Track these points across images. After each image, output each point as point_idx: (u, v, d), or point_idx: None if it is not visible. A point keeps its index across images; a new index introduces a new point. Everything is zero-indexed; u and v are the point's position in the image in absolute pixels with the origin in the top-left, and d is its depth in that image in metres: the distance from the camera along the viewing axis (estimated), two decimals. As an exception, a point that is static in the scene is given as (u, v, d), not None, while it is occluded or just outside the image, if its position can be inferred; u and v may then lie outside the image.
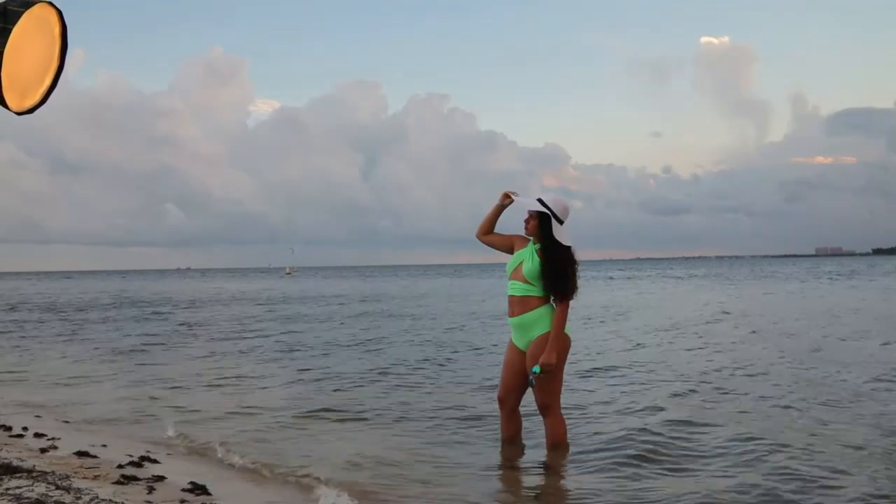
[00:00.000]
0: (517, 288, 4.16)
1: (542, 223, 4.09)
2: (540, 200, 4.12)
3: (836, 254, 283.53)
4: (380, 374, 7.74)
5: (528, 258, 4.15)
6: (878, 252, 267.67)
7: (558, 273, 4.02)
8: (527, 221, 4.18)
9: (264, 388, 7.02)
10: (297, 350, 10.25)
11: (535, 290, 4.10)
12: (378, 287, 39.81)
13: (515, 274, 4.20)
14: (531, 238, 4.16)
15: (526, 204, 4.18)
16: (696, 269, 73.92)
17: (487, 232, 4.39)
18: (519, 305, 4.16)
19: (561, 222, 4.09)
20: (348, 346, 10.75)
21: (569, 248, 4.07)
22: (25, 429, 4.86)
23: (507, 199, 4.27)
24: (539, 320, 4.10)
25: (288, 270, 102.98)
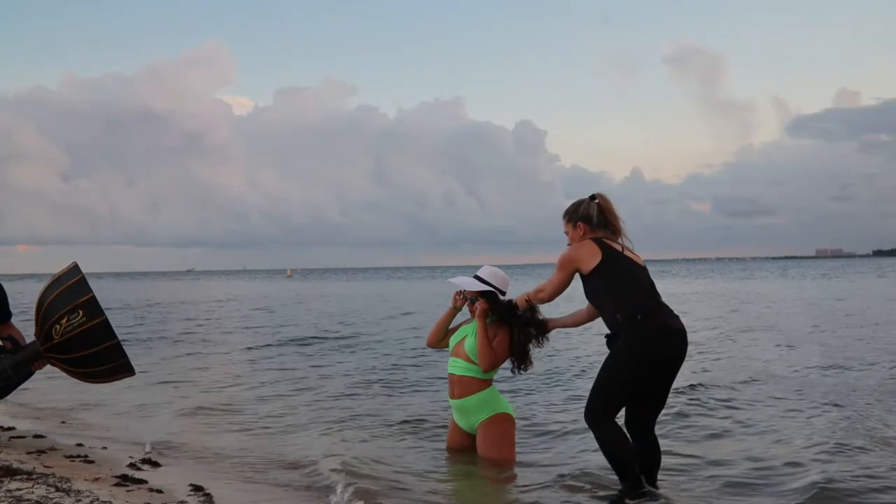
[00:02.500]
0: (458, 366, 4.00)
1: (491, 301, 3.95)
2: (477, 277, 4.01)
3: (837, 255, 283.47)
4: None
5: (471, 333, 4.00)
6: (878, 254, 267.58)
7: (522, 346, 3.92)
8: (470, 305, 4.02)
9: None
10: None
11: (475, 371, 3.94)
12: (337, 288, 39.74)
13: (457, 350, 4.05)
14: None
15: (465, 284, 4.04)
16: (741, 269, 73.80)
17: (440, 339, 4.23)
18: (459, 386, 4.01)
19: (503, 294, 4.00)
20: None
21: (532, 314, 3.87)
22: (26, 430, 4.86)
23: (458, 303, 4.11)
24: (482, 405, 3.97)
25: (289, 273, 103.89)
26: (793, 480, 3.78)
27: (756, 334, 11.57)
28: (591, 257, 3.40)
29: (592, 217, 3.53)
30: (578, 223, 3.54)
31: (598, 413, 3.38)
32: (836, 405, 5.65)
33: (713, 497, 3.58)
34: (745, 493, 3.64)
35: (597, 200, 3.55)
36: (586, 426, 3.52)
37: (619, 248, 3.47)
